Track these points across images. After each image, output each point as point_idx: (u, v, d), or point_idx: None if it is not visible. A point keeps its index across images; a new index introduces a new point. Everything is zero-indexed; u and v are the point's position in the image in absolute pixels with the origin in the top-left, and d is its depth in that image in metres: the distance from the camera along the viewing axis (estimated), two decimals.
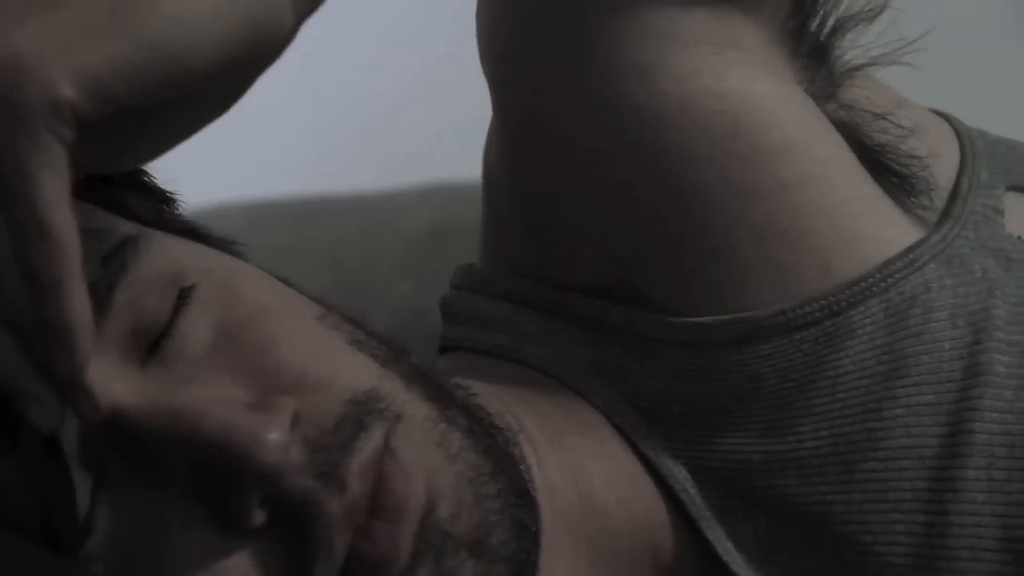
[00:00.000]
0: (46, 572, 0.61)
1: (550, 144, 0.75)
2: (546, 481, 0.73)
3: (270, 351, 0.66)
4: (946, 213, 0.75)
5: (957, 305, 0.72)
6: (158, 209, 0.74)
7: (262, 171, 1.51)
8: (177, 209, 0.75)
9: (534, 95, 0.74)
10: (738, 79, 0.72)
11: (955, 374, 0.71)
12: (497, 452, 0.70)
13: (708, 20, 0.72)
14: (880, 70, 0.78)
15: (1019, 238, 0.75)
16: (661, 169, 0.72)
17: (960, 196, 0.76)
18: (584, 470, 0.74)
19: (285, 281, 0.73)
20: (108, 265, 0.66)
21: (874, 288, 0.72)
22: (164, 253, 0.68)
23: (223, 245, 0.74)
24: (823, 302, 0.72)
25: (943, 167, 0.77)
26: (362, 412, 0.66)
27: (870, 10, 0.77)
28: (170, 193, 0.75)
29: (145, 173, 0.74)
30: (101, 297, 0.65)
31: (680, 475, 0.74)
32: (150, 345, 0.66)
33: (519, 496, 0.69)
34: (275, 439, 0.62)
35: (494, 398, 0.75)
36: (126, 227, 0.69)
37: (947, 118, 0.82)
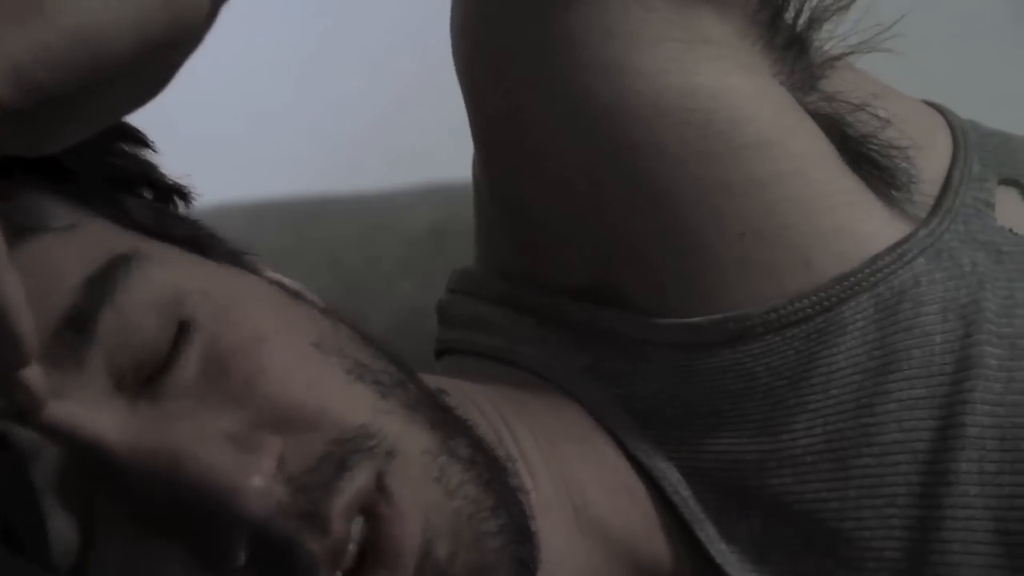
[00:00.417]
0: None
1: (519, 149, 0.75)
2: (542, 500, 0.72)
3: (258, 384, 0.65)
4: (936, 206, 0.75)
5: (947, 299, 0.72)
6: (161, 214, 0.73)
7: (262, 171, 1.51)
8: (189, 204, 0.75)
9: (501, 100, 0.74)
10: (708, 74, 0.72)
11: (946, 367, 0.71)
12: (499, 485, 0.69)
13: (673, 15, 0.71)
14: (878, 63, 0.78)
15: (1010, 231, 0.75)
16: (632, 169, 0.72)
17: (951, 189, 0.76)
18: (578, 482, 0.74)
19: (296, 293, 0.73)
20: (93, 287, 0.65)
21: (863, 283, 0.72)
22: (160, 274, 0.67)
23: (229, 256, 0.73)
24: (813, 298, 0.72)
25: (934, 159, 0.77)
26: (347, 451, 0.65)
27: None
28: (183, 187, 0.75)
29: (155, 168, 0.74)
30: (83, 321, 0.64)
31: (673, 477, 0.74)
32: (145, 378, 0.65)
33: (519, 533, 0.68)
34: (258, 486, 0.62)
35: (487, 403, 0.75)
36: (120, 241, 0.68)
37: (940, 109, 0.81)
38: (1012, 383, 0.70)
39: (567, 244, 0.76)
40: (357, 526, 0.65)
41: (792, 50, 0.75)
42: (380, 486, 0.65)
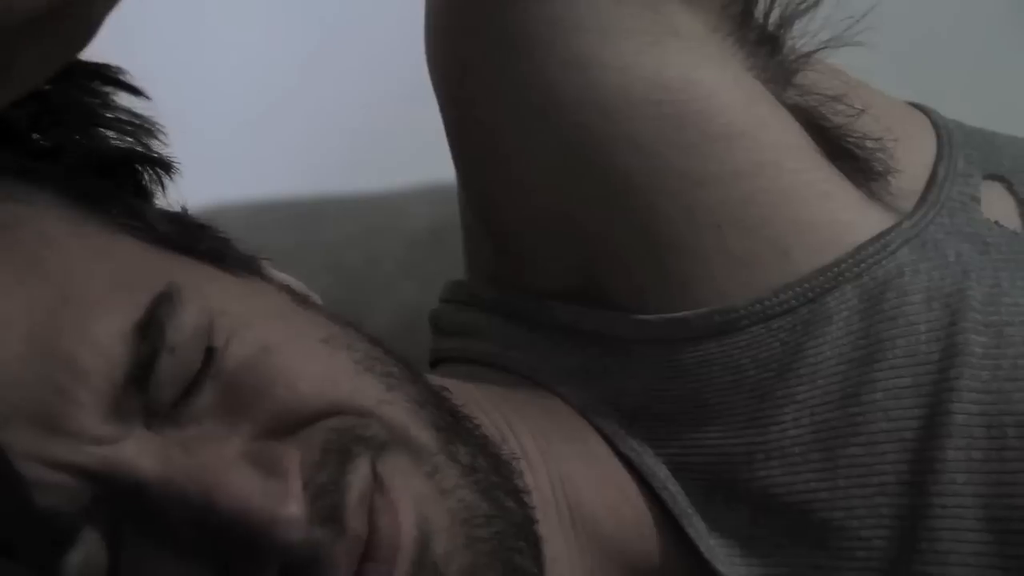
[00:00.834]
0: None
1: (488, 153, 0.75)
2: (540, 499, 0.73)
3: (267, 392, 0.65)
4: (922, 199, 0.75)
5: (932, 288, 0.72)
6: (183, 227, 0.72)
7: (262, 171, 1.51)
8: (173, 177, 0.74)
9: (467, 100, 0.74)
10: (678, 67, 0.72)
11: (932, 356, 0.71)
12: (502, 491, 0.69)
13: (641, 10, 0.72)
14: (873, 64, 0.78)
15: (996, 223, 0.76)
16: (605, 165, 0.72)
17: (936, 183, 0.76)
18: (573, 480, 0.75)
19: (303, 297, 0.73)
20: (148, 335, 0.64)
21: (847, 274, 0.72)
22: (198, 305, 0.66)
23: (242, 263, 0.73)
24: (797, 289, 0.72)
25: (917, 154, 0.77)
26: (348, 439, 0.66)
27: None
28: (167, 159, 0.74)
29: (139, 142, 0.73)
30: (143, 374, 0.64)
31: (661, 473, 0.74)
32: (173, 402, 0.65)
33: (520, 539, 0.69)
34: (293, 515, 0.62)
35: (487, 401, 0.75)
36: (155, 270, 0.67)
37: (924, 110, 0.82)
38: (998, 370, 0.70)
39: (548, 246, 0.76)
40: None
41: (765, 46, 0.75)
42: (374, 474, 0.66)
